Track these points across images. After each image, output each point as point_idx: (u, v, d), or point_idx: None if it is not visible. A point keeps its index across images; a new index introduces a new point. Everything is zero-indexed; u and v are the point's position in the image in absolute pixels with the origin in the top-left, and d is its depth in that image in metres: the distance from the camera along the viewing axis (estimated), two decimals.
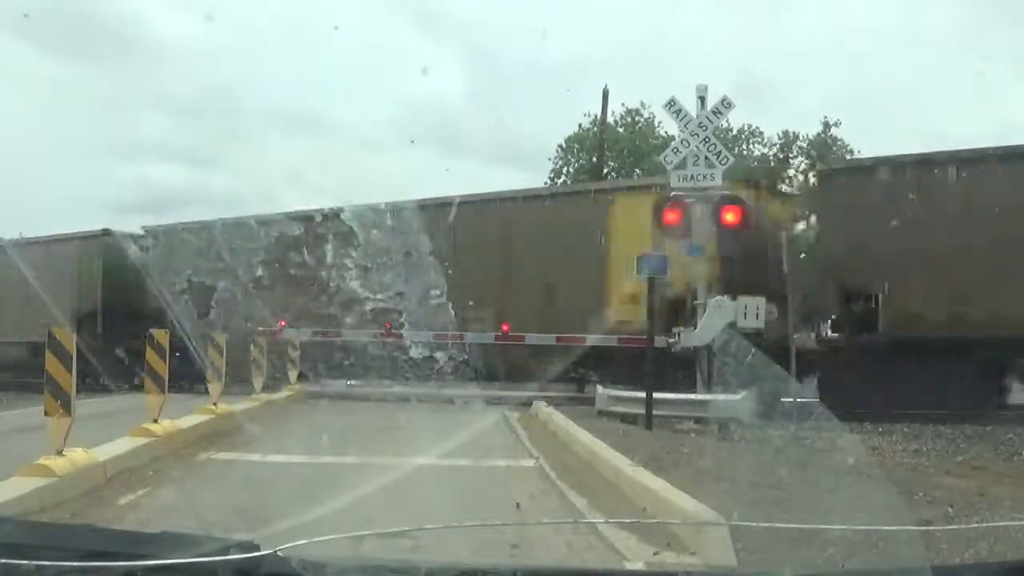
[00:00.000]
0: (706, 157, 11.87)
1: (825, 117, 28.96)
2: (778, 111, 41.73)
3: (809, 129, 29.37)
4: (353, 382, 14.51)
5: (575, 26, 46.67)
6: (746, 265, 12.11)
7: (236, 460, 7.73)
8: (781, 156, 29.07)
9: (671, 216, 11.59)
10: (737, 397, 10.15)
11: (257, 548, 1.52)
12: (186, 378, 11.41)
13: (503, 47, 46.53)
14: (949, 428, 10.57)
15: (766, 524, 4.59)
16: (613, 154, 28.57)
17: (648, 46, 40.28)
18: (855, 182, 13.02)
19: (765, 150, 29.71)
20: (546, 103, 46.48)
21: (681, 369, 11.94)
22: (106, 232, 17.49)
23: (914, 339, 11.31)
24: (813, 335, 12.56)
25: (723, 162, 11.93)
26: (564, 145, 30.11)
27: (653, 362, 10.45)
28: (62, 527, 3.05)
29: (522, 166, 50.50)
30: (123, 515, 5.21)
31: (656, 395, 10.32)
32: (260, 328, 13.93)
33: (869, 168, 13.28)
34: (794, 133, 29.40)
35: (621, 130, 29.63)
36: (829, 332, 13.09)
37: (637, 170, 27.87)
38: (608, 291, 13.22)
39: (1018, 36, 38.71)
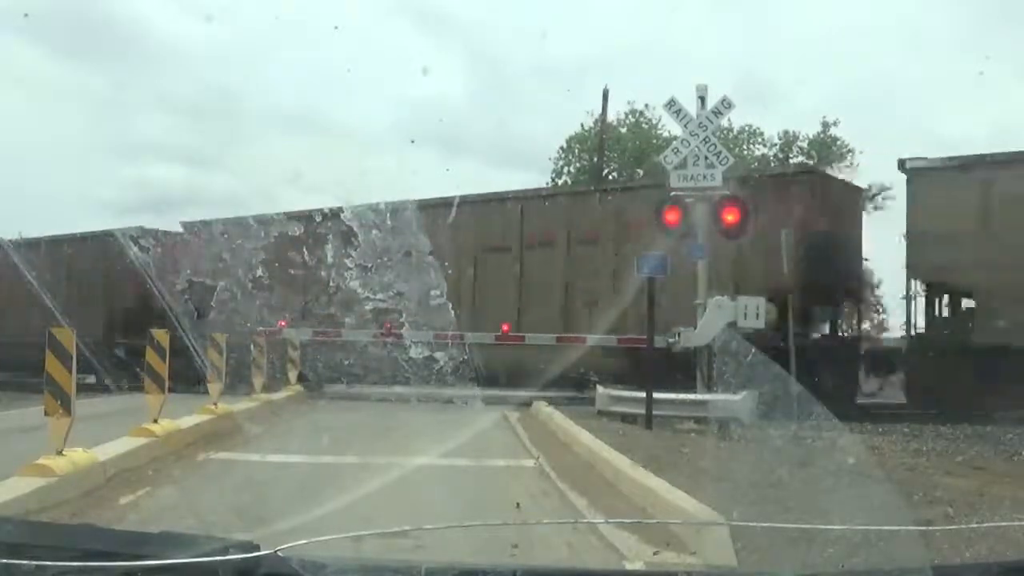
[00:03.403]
0: (706, 157, 11.86)
1: (824, 117, 28.99)
2: (778, 111, 41.74)
3: (809, 129, 29.38)
4: (353, 388, 14.51)
5: (575, 26, 46.68)
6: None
7: (236, 460, 7.73)
8: (781, 156, 29.10)
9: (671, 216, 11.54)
10: (737, 397, 10.14)
11: (257, 548, 1.51)
12: None
13: (504, 47, 46.49)
14: (949, 428, 10.57)
15: (766, 524, 4.59)
16: (615, 154, 28.55)
17: (648, 46, 40.28)
18: None
19: (765, 150, 29.72)
20: (547, 103, 46.52)
21: (681, 369, 11.93)
22: None
23: None
24: None
25: (723, 162, 11.91)
26: (566, 145, 30.10)
27: (652, 362, 10.48)
28: (62, 527, 3.06)
29: (523, 166, 50.51)
30: (123, 515, 5.22)
31: (656, 395, 10.32)
32: (260, 328, 13.93)
33: None
34: (794, 133, 29.41)
35: (623, 130, 29.61)
36: None
37: (639, 170, 27.86)
38: None
39: (1018, 36, 38.70)
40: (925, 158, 13.34)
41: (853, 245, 14.00)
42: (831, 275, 13.09)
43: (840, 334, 14.86)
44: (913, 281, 13.02)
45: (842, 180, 16.38)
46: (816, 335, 13.33)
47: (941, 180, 12.82)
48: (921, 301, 13.29)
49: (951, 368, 11.48)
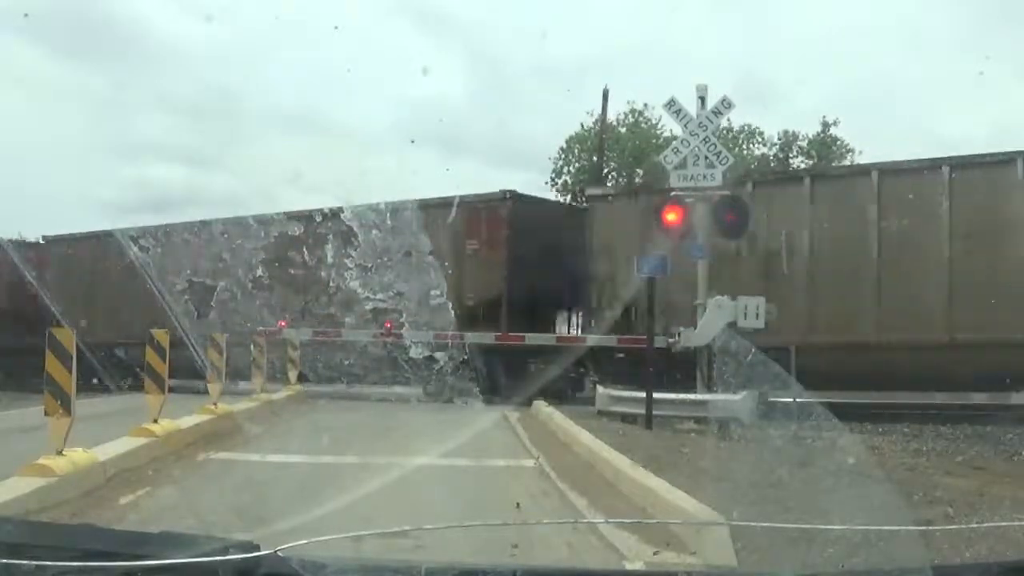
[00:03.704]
0: (706, 157, 11.87)
1: (824, 117, 29.02)
2: (778, 111, 41.72)
3: (809, 129, 29.39)
4: (353, 388, 14.51)
5: (575, 26, 46.64)
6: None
7: (236, 460, 7.73)
8: (781, 156, 29.11)
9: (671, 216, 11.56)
10: (737, 397, 10.15)
11: (257, 548, 1.51)
12: None
13: (503, 47, 46.41)
14: (949, 428, 10.58)
15: (766, 524, 4.59)
16: (614, 154, 28.55)
17: (648, 46, 40.25)
18: None
19: (765, 150, 29.73)
20: (547, 103, 46.46)
21: (681, 369, 11.93)
22: None
23: None
24: None
25: (723, 162, 11.93)
26: (565, 146, 30.10)
27: (652, 362, 10.48)
28: (62, 527, 3.05)
29: (523, 166, 50.52)
30: (123, 515, 5.21)
31: (656, 395, 10.32)
32: (260, 328, 13.92)
33: None
34: (793, 133, 29.41)
35: (623, 130, 29.60)
36: None
37: (638, 170, 27.86)
38: None
39: (1018, 36, 38.66)
40: (601, 187, 17.22)
41: (557, 257, 14.91)
42: (537, 285, 14.45)
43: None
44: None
45: (546, 200, 18.06)
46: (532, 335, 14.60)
47: (613, 205, 14.99)
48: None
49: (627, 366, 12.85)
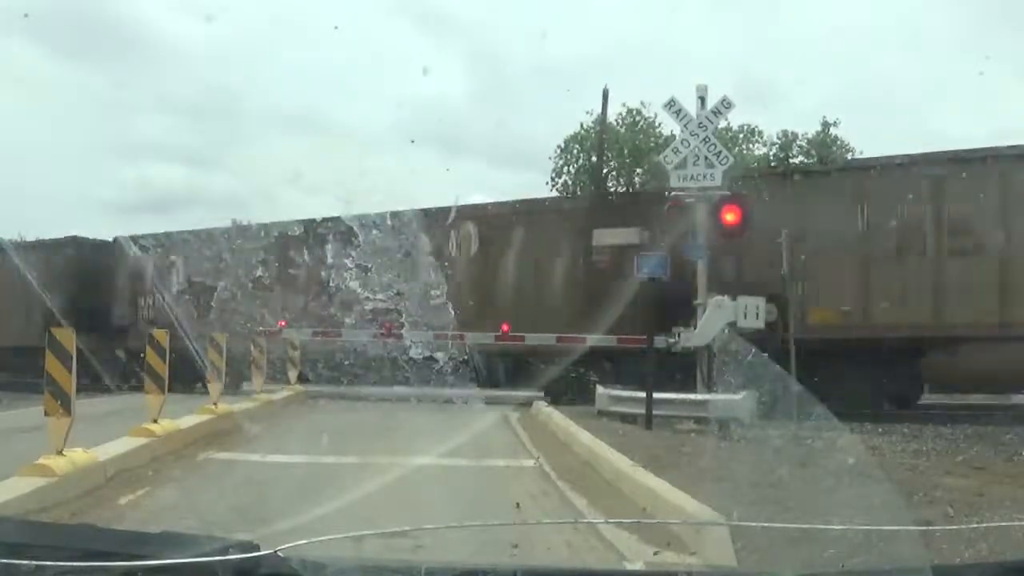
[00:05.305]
0: (706, 157, 11.87)
1: (824, 117, 28.98)
2: (778, 111, 41.70)
3: (809, 129, 29.35)
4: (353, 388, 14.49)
5: (575, 26, 46.63)
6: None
7: (236, 460, 7.73)
8: (781, 156, 29.08)
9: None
10: (737, 397, 10.14)
11: (257, 548, 1.51)
12: None
13: (504, 47, 46.41)
14: (949, 428, 10.56)
15: (766, 524, 4.59)
16: (613, 154, 28.52)
17: (648, 46, 40.23)
18: None
19: (765, 150, 29.68)
20: (547, 103, 46.45)
21: (681, 369, 11.92)
22: None
23: None
24: None
25: (723, 162, 11.93)
26: (564, 145, 30.06)
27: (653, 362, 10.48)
28: (62, 527, 3.05)
29: (523, 166, 50.45)
30: (123, 515, 5.22)
31: (656, 395, 10.32)
32: (260, 328, 13.93)
33: None
34: (793, 133, 29.36)
35: (622, 130, 29.56)
36: None
37: (638, 170, 27.82)
38: None
39: (1018, 36, 38.66)
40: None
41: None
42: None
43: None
44: None
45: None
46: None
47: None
48: None
49: None
